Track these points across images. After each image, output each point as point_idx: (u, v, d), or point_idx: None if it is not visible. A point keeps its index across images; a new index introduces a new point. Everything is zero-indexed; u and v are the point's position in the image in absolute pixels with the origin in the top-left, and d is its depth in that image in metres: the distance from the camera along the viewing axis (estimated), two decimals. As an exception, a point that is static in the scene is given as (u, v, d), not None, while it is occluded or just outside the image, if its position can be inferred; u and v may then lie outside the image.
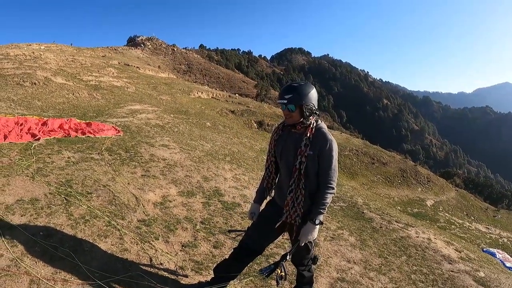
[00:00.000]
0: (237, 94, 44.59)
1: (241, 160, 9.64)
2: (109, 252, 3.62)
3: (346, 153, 28.86)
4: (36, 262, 3.20)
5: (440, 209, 25.17)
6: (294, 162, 2.76)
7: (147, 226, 4.37)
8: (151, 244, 3.96)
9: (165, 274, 3.49)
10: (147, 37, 77.99)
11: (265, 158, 3.19)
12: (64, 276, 3.11)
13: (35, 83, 15.46)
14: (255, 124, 26.82)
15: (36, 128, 7.60)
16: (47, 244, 3.44)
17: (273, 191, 3.13)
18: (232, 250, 3.28)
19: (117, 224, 4.19)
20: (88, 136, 8.02)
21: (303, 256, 3.08)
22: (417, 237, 5.97)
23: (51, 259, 3.28)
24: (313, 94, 2.73)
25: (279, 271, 2.83)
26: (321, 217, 2.78)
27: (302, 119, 2.73)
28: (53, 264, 3.22)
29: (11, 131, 7.01)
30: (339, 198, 7.92)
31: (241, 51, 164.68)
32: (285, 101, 2.68)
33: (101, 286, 3.05)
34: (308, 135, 2.73)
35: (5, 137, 6.63)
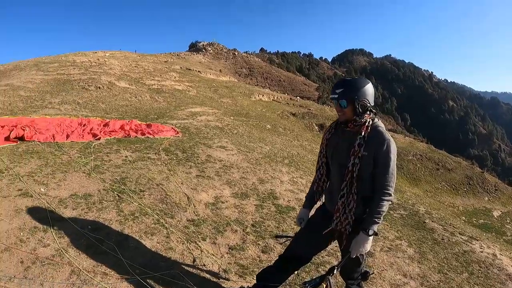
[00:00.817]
0: (298, 97, 44.03)
1: (300, 163, 9.35)
2: (153, 249, 3.58)
3: (410, 157, 27.37)
4: (79, 254, 3.25)
5: (508, 221, 22.84)
6: (346, 164, 2.47)
7: (195, 226, 4.29)
8: (197, 244, 3.86)
9: (207, 276, 3.36)
10: (208, 43, 79.95)
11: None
12: (105, 270, 3.11)
13: (99, 87, 16.37)
14: (316, 127, 26.26)
15: (98, 128, 7.96)
16: (92, 238, 3.49)
17: (324, 195, 2.84)
18: (278, 257, 3.03)
19: (166, 223, 4.16)
20: (147, 137, 8.23)
21: (352, 269, 2.75)
22: (482, 252, 5.32)
23: (94, 252, 3.32)
24: (368, 89, 2.44)
25: (324, 286, 2.55)
26: (375, 227, 2.44)
27: (355, 117, 2.46)
28: (96, 257, 3.25)
29: (73, 131, 7.45)
30: (400, 206, 7.35)
31: (302, 53, 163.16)
32: (336, 96, 2.43)
33: (140, 282, 2.99)
34: (362, 134, 2.43)
35: (68, 136, 7.05)
